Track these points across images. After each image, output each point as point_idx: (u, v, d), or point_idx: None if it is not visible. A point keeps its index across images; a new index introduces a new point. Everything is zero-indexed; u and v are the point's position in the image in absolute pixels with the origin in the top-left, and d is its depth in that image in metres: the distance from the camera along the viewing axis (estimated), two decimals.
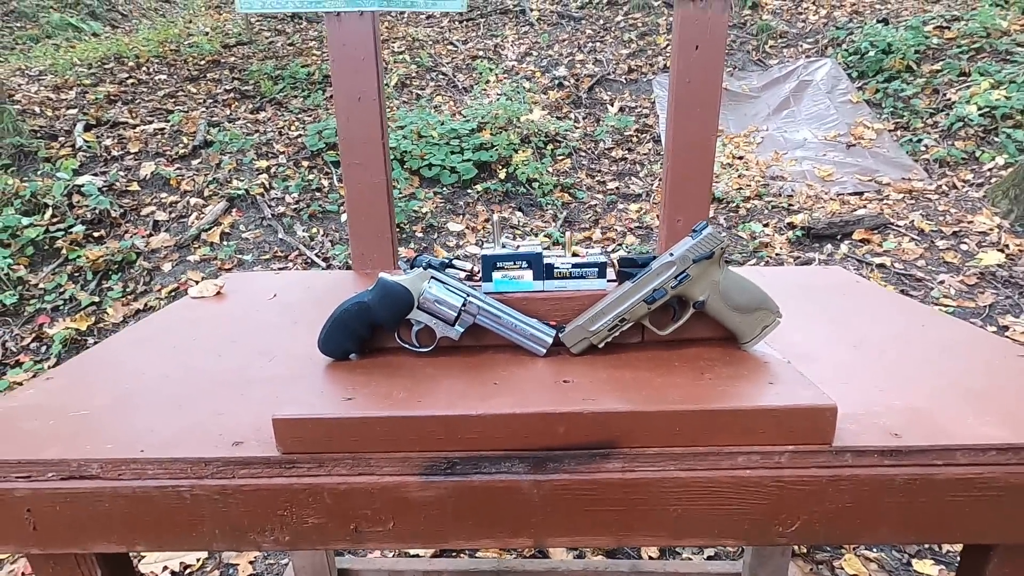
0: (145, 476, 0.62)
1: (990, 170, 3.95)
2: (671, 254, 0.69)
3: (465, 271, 0.73)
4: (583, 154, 4.49)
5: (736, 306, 0.70)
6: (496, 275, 0.73)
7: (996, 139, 4.13)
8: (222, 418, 0.68)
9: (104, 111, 4.23)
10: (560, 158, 4.35)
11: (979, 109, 4.25)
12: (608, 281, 0.74)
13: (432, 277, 0.71)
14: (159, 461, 0.61)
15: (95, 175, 3.54)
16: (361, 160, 1.19)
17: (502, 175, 4.00)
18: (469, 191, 3.92)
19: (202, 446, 0.63)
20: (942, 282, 3.04)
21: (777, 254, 3.40)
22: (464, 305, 0.70)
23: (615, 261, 0.73)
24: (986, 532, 0.62)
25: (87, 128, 3.99)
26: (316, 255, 3.26)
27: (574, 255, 0.74)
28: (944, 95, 4.63)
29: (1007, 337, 2.63)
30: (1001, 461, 0.59)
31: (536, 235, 3.61)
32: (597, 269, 0.73)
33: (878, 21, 5.59)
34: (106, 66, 5.00)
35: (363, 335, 0.71)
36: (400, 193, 3.74)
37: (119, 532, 0.63)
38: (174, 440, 0.65)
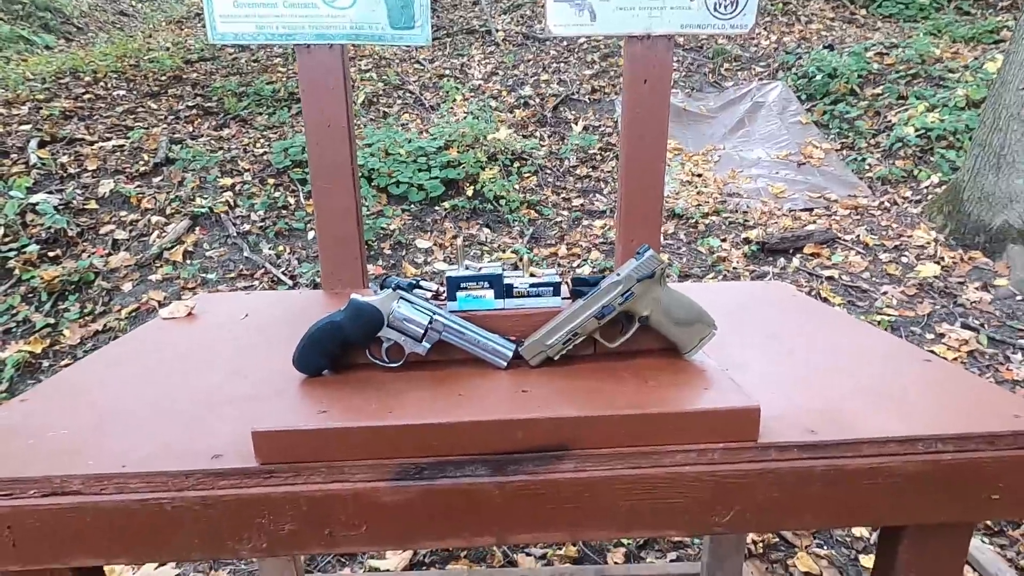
0: (127, 490, 0.65)
1: (927, 187, 4.23)
2: (617, 274, 0.77)
3: (431, 291, 0.79)
4: (549, 172, 4.61)
5: (676, 320, 0.77)
6: (460, 294, 0.79)
7: (932, 158, 4.43)
8: (201, 434, 0.72)
9: (59, 127, 4.13)
10: (526, 176, 4.46)
11: (916, 131, 4.56)
12: (562, 299, 0.81)
13: (400, 297, 0.77)
14: (141, 475, 0.65)
15: (50, 193, 3.46)
16: (331, 184, 1.24)
17: (469, 192, 4.08)
18: (437, 208, 3.98)
19: (182, 460, 0.67)
20: (885, 293, 3.24)
21: (734, 267, 3.56)
22: (430, 323, 0.76)
23: (568, 281, 0.80)
24: (894, 515, 0.71)
25: (41, 145, 3.89)
26: (283, 273, 3.25)
27: (531, 275, 0.81)
28: (885, 117, 4.95)
29: (943, 343, 2.83)
30: (900, 451, 0.68)
31: (504, 251, 3.69)
32: (552, 288, 0.80)
33: (824, 47, 5.94)
34: (61, 81, 4.88)
35: (336, 352, 0.77)
36: (368, 210, 3.77)
37: (100, 546, 0.66)
38: (155, 455, 0.68)
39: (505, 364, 0.78)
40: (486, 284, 0.79)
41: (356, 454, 0.66)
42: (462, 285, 0.79)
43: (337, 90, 1.20)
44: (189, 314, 1.15)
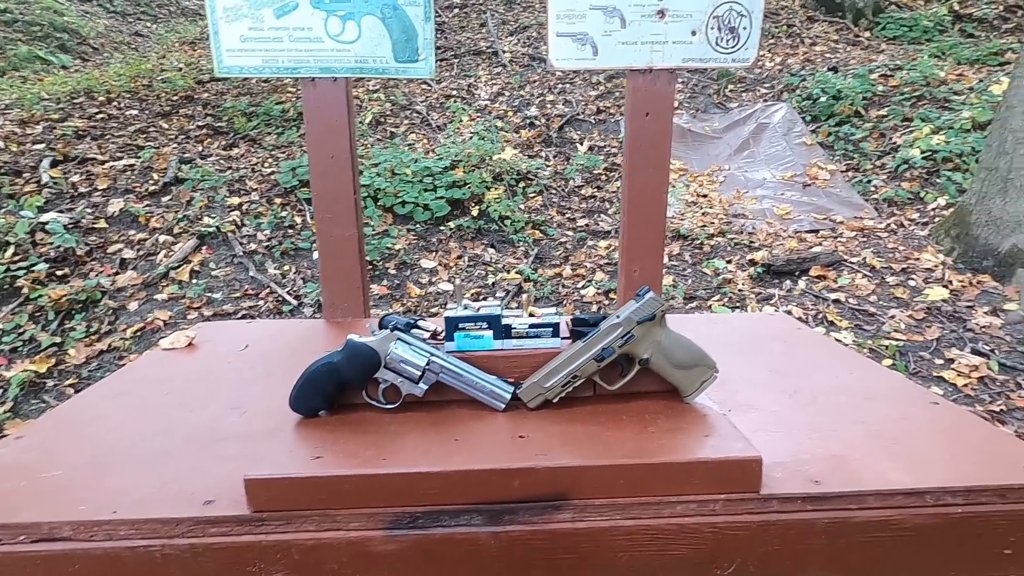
0: (117, 537, 0.64)
1: (933, 210, 4.21)
2: (617, 316, 0.76)
3: (429, 331, 0.79)
4: (554, 192, 4.63)
5: (677, 363, 0.76)
6: (458, 334, 0.79)
7: (938, 181, 4.42)
8: (194, 476, 0.71)
9: (72, 147, 4.20)
10: (531, 196, 4.47)
11: (922, 153, 4.55)
12: (562, 339, 0.81)
13: (398, 338, 0.76)
14: (131, 522, 0.64)
15: (61, 212, 3.50)
16: (333, 214, 1.24)
17: (475, 212, 4.09)
18: (442, 228, 3.99)
19: (174, 505, 0.66)
20: (892, 317, 3.21)
21: (740, 290, 3.54)
22: (428, 364, 0.75)
23: (568, 321, 0.79)
24: (901, 571, 0.69)
25: (54, 164, 3.95)
26: (288, 293, 3.26)
27: (531, 315, 0.80)
28: (890, 139, 4.95)
29: (953, 368, 2.79)
30: (906, 504, 0.66)
31: (508, 271, 3.69)
32: (551, 329, 0.79)
33: (828, 69, 5.97)
34: (75, 100, 4.98)
35: (332, 393, 0.76)
36: (373, 230, 3.79)
37: None
38: (147, 499, 0.67)
39: (503, 406, 0.77)
40: (484, 324, 0.78)
41: (350, 502, 0.65)
42: (460, 325, 0.78)
43: (341, 122, 1.22)
44: (189, 344, 1.15)
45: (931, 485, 0.67)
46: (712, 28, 1.18)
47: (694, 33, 1.18)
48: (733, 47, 1.20)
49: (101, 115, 4.80)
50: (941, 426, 0.80)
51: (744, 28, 1.19)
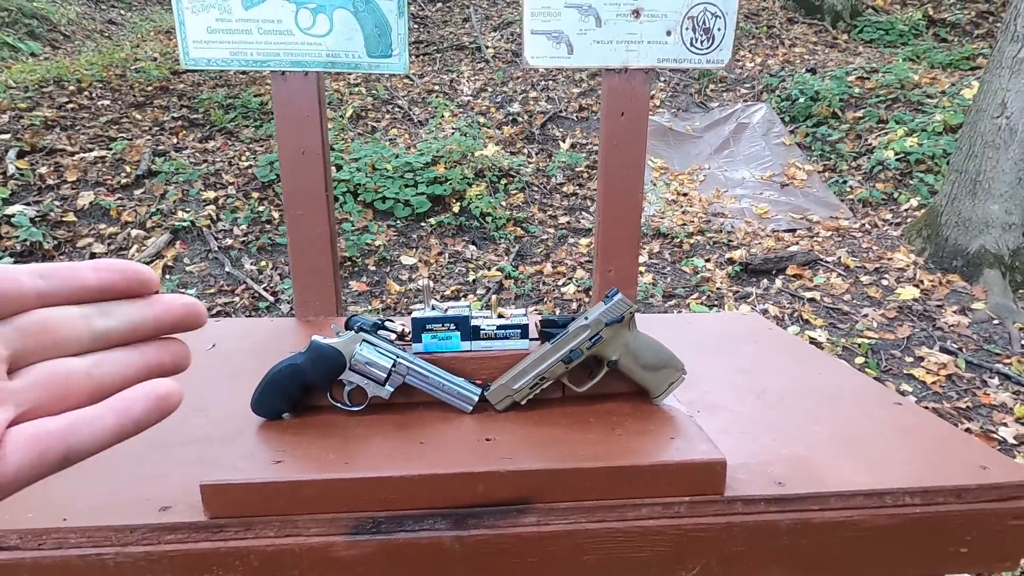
0: (67, 545, 0.62)
1: (906, 211, 4.30)
2: (586, 318, 0.76)
3: (396, 332, 0.78)
4: (536, 189, 4.62)
5: (645, 365, 0.76)
6: (426, 336, 0.78)
7: (911, 182, 4.51)
8: (151, 482, 0.69)
9: (40, 137, 4.07)
10: (513, 192, 4.46)
11: (896, 154, 4.64)
12: (531, 340, 0.80)
13: (364, 340, 0.75)
14: (82, 529, 0.62)
15: (27, 204, 3.40)
16: (305, 211, 1.22)
17: (456, 209, 4.07)
18: (423, 224, 3.97)
19: (129, 512, 0.64)
20: (866, 316, 3.27)
21: (718, 288, 3.58)
22: (394, 366, 0.74)
23: (537, 322, 0.78)
24: (862, 570, 0.70)
25: (20, 155, 3.83)
26: (264, 289, 3.21)
27: (499, 316, 0.80)
28: (866, 140, 5.04)
29: (922, 367, 2.86)
30: (867, 505, 0.67)
31: (489, 268, 3.68)
32: (520, 330, 0.79)
33: (806, 71, 6.05)
34: (44, 89, 4.82)
35: (296, 396, 0.74)
36: (353, 226, 3.74)
37: None
38: (100, 507, 0.65)
39: (471, 408, 0.76)
40: (452, 326, 0.77)
41: (310, 507, 0.63)
42: (428, 326, 0.77)
43: (312, 117, 1.19)
44: None
45: (890, 486, 0.68)
46: (687, 28, 1.18)
47: (669, 33, 1.18)
48: (708, 48, 1.20)
49: (71, 105, 4.67)
50: (902, 426, 0.81)
51: (719, 29, 1.19)
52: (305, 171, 1.20)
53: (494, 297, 0.90)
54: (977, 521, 0.68)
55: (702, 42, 1.19)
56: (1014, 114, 3.21)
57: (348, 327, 0.77)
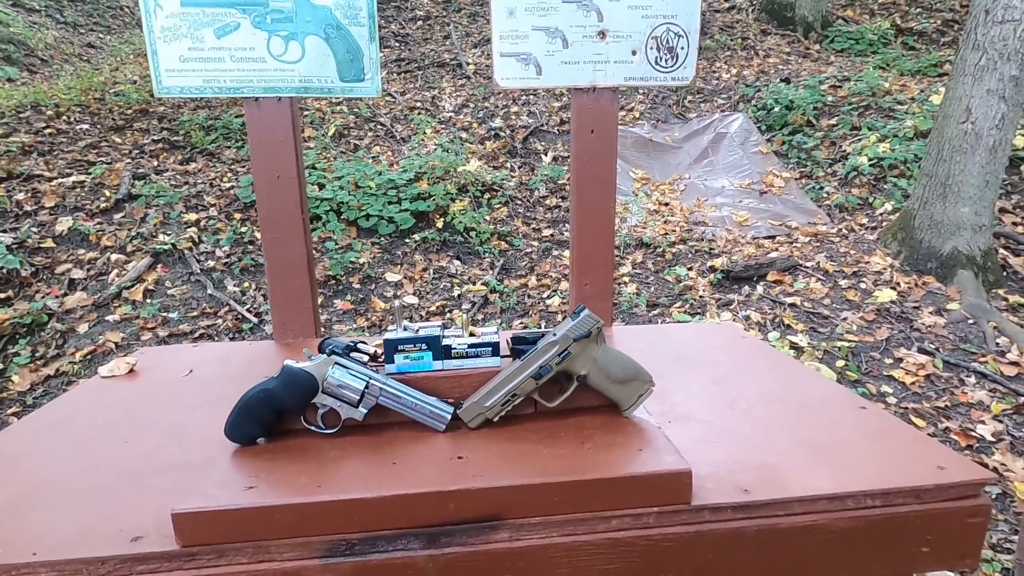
0: None
1: (881, 215, 4.39)
2: (554, 334, 0.78)
3: (368, 354, 0.79)
4: (519, 203, 4.66)
5: (614, 378, 0.78)
6: (398, 357, 0.79)
7: (885, 187, 4.61)
8: (124, 512, 0.69)
9: (17, 163, 4.04)
10: (497, 207, 4.49)
11: (869, 160, 4.75)
12: (502, 358, 0.81)
13: (336, 362, 0.76)
14: (52, 563, 0.62)
15: (4, 232, 3.36)
16: (281, 235, 1.23)
17: (440, 224, 4.09)
18: (407, 241, 3.98)
19: (100, 544, 0.64)
20: (845, 319, 3.32)
21: (700, 296, 3.62)
22: (366, 388, 0.75)
23: (508, 340, 0.80)
24: (828, 572, 0.71)
25: None
26: (248, 310, 3.19)
27: (471, 335, 0.81)
28: (840, 147, 5.15)
29: (902, 367, 2.91)
30: (830, 509, 0.69)
31: (474, 283, 3.69)
32: (491, 348, 0.80)
33: (781, 80, 6.19)
34: (21, 115, 4.79)
35: (269, 420, 0.75)
36: (337, 244, 3.74)
37: None
38: (71, 539, 0.65)
39: (443, 427, 0.77)
40: (424, 346, 0.78)
41: (283, 532, 0.64)
42: (399, 347, 0.78)
43: (287, 142, 1.21)
44: (131, 371, 1.12)
45: (852, 489, 0.70)
46: (651, 48, 1.22)
47: (634, 53, 1.22)
48: (672, 66, 1.24)
49: (49, 130, 4.64)
50: (866, 431, 0.83)
51: (682, 48, 1.23)
52: (281, 195, 1.22)
53: (465, 316, 0.91)
54: (936, 520, 0.70)
55: (666, 60, 1.23)
56: (979, 119, 3.31)
57: (321, 350, 0.78)
